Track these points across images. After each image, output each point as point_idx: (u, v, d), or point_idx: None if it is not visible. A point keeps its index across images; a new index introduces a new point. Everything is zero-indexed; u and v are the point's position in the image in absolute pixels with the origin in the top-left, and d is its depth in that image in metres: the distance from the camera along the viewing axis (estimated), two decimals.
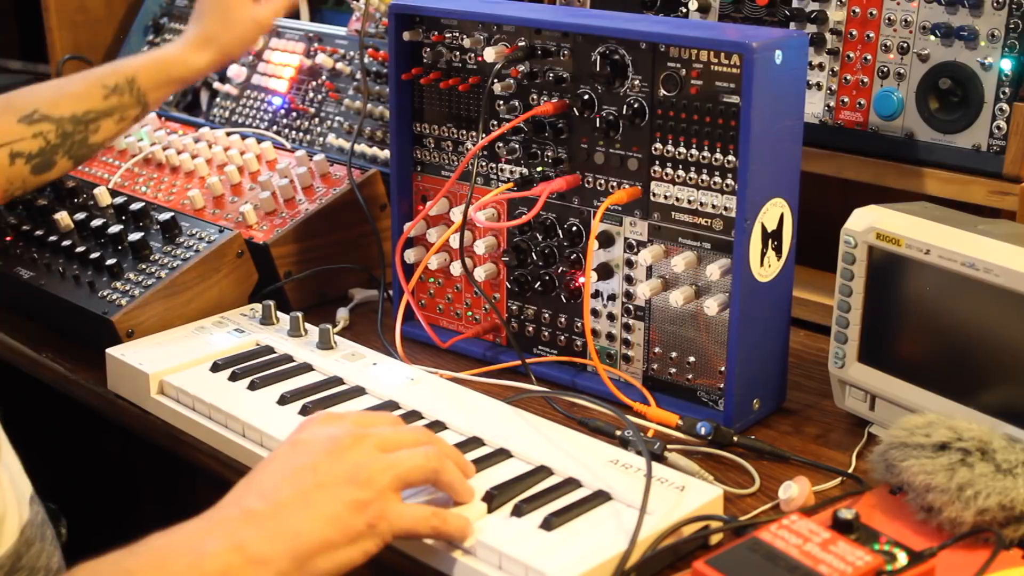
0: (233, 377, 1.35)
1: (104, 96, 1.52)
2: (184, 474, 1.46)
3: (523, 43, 1.38)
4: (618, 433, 1.25)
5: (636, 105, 1.31)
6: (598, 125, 1.35)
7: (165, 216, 1.60)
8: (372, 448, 1.00)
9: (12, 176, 1.46)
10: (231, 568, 0.90)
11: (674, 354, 1.35)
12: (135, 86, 1.53)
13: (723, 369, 1.30)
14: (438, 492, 1.08)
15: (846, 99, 1.48)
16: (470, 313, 1.52)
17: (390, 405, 1.28)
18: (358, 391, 1.32)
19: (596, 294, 1.40)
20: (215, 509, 0.96)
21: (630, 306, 1.38)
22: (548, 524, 1.06)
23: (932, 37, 1.40)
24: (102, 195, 1.71)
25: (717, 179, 1.27)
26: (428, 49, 1.47)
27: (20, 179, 1.47)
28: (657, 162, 1.31)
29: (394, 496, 0.99)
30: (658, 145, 1.31)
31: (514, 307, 1.48)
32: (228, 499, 0.97)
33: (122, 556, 0.92)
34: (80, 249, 1.59)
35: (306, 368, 1.37)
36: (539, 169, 1.40)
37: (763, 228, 1.26)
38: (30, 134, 1.46)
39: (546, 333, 1.46)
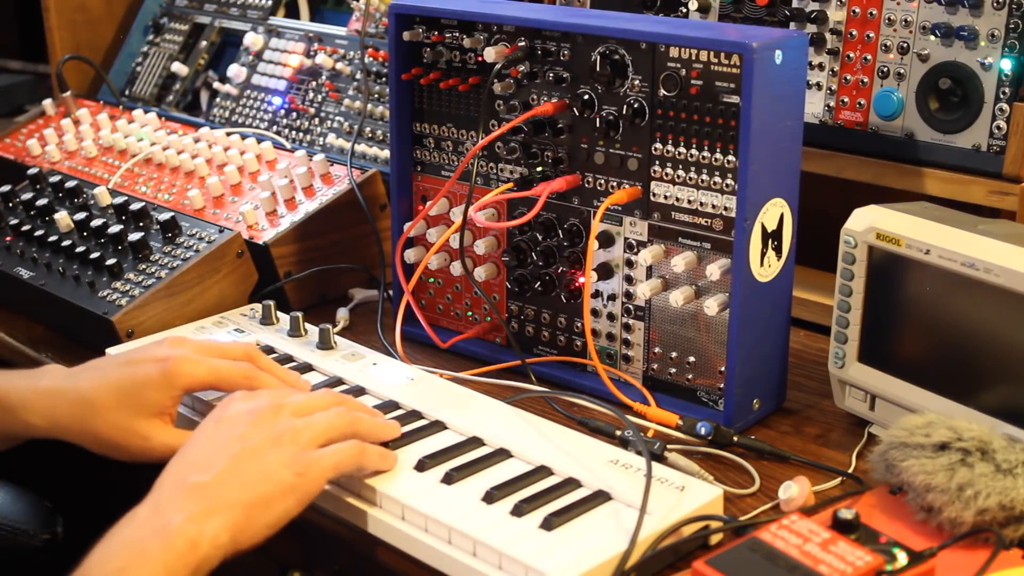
0: None
1: None
2: None
3: (523, 43, 1.38)
4: (618, 433, 1.25)
5: (636, 105, 1.31)
6: (598, 125, 1.35)
7: (165, 216, 1.60)
8: (289, 414, 1.12)
9: None
10: (196, 537, 1.00)
11: (674, 354, 1.35)
12: None
13: (723, 369, 1.30)
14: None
15: (846, 99, 1.48)
16: (470, 313, 1.52)
17: (390, 405, 1.28)
18: (358, 391, 1.32)
19: (596, 294, 1.40)
20: (158, 492, 1.05)
21: (630, 306, 1.38)
22: (548, 524, 1.06)
23: (932, 37, 1.40)
24: (102, 195, 1.71)
25: (717, 179, 1.27)
26: (428, 49, 1.47)
27: None
28: (657, 162, 1.31)
29: (316, 449, 1.10)
30: (658, 145, 1.31)
31: (514, 307, 1.48)
32: (168, 478, 1.06)
33: (100, 559, 1.00)
34: (80, 249, 1.59)
35: (306, 368, 1.37)
36: (539, 169, 1.40)
37: (763, 228, 1.26)
38: None
39: (546, 333, 1.46)
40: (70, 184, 1.75)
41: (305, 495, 1.08)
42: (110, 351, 1.42)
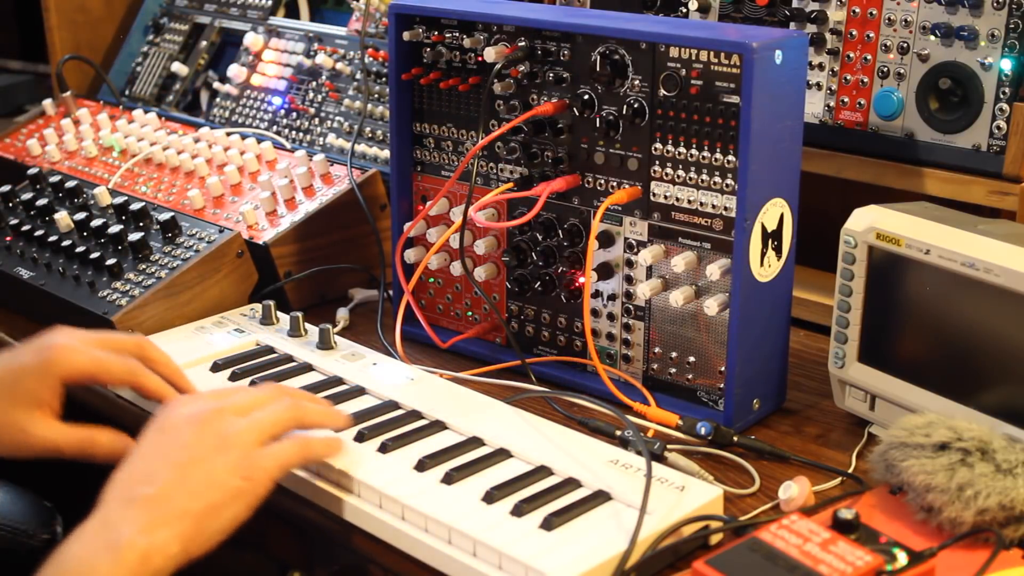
0: (233, 377, 1.35)
1: None
2: None
3: (523, 43, 1.38)
4: (618, 433, 1.25)
5: (636, 105, 1.31)
6: (598, 125, 1.35)
7: (165, 216, 1.60)
8: (231, 415, 1.10)
9: None
10: (146, 551, 0.98)
11: (674, 354, 1.35)
12: None
13: (723, 369, 1.30)
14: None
15: (846, 99, 1.48)
16: (470, 313, 1.52)
17: (390, 405, 1.28)
18: (358, 391, 1.32)
19: (596, 294, 1.40)
20: (105, 507, 1.03)
21: (630, 306, 1.38)
22: (548, 524, 1.06)
23: (932, 37, 1.40)
24: (102, 195, 1.71)
25: (717, 179, 1.27)
26: (428, 49, 1.47)
27: None
28: (657, 162, 1.31)
29: (261, 449, 1.09)
30: (658, 145, 1.31)
31: (514, 307, 1.48)
32: (113, 494, 1.04)
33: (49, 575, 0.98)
34: (80, 249, 1.59)
35: (306, 368, 1.37)
36: (539, 169, 1.40)
37: (763, 228, 1.26)
38: None
39: (546, 333, 1.46)
40: (70, 184, 1.75)
41: (254, 498, 1.07)
42: None
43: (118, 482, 1.05)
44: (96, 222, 1.63)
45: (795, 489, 1.13)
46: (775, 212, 1.27)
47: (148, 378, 1.21)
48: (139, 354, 1.22)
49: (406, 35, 1.47)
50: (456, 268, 1.46)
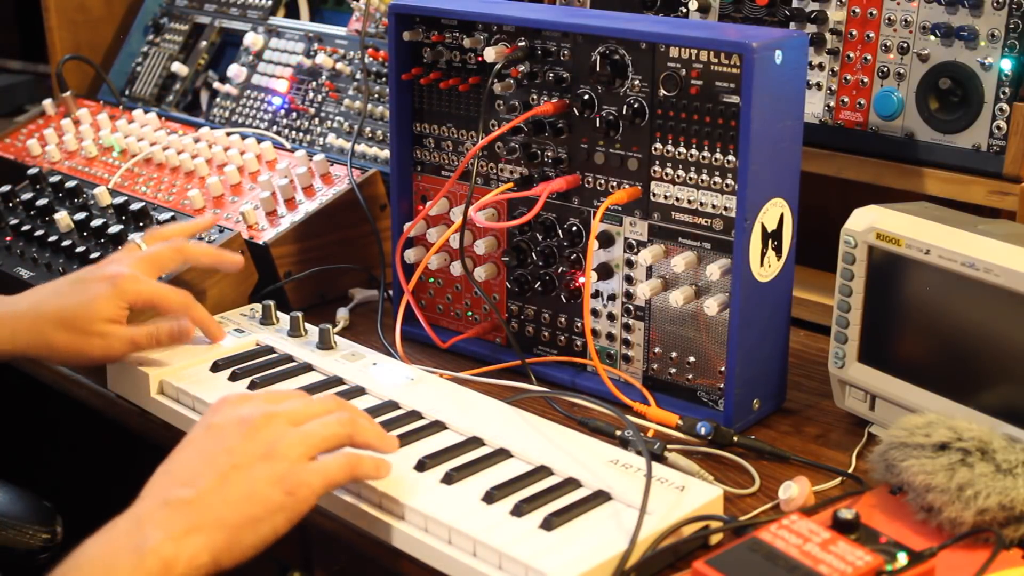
0: (233, 377, 1.35)
1: None
2: None
3: (523, 43, 1.38)
4: (618, 433, 1.25)
5: (636, 105, 1.31)
6: (598, 125, 1.35)
7: (165, 216, 1.60)
8: (283, 423, 1.06)
9: None
10: (171, 559, 0.96)
11: (674, 354, 1.35)
12: None
13: (723, 369, 1.30)
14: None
15: (846, 99, 1.48)
16: (470, 313, 1.52)
17: (390, 405, 1.28)
18: (358, 391, 1.32)
19: (596, 294, 1.40)
20: (140, 504, 1.01)
21: (630, 306, 1.38)
22: (548, 524, 1.06)
23: (932, 37, 1.40)
24: (102, 195, 1.71)
25: (717, 179, 1.27)
26: (428, 49, 1.47)
27: None
28: (657, 162, 1.31)
29: (308, 463, 1.05)
30: (658, 145, 1.31)
31: (514, 307, 1.48)
32: (150, 492, 1.02)
33: (72, 566, 0.96)
34: (80, 249, 1.59)
35: (306, 368, 1.37)
36: (539, 169, 1.40)
37: (763, 228, 1.26)
38: None
39: (546, 333, 1.46)
40: (70, 184, 1.75)
41: (295, 514, 1.03)
42: None
43: (158, 479, 1.03)
44: (96, 222, 1.63)
45: (795, 489, 1.13)
46: (775, 212, 1.27)
47: (198, 311, 1.38)
48: (183, 258, 1.42)
49: (406, 35, 1.47)
50: (456, 268, 1.46)
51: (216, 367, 1.37)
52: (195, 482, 1.01)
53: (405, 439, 1.21)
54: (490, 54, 1.38)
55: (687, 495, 1.11)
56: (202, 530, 0.98)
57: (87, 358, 1.35)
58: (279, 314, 1.50)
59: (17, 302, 1.37)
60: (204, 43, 2.22)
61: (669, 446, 1.23)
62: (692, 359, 1.34)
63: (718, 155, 1.27)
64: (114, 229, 1.61)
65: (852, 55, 1.47)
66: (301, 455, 1.04)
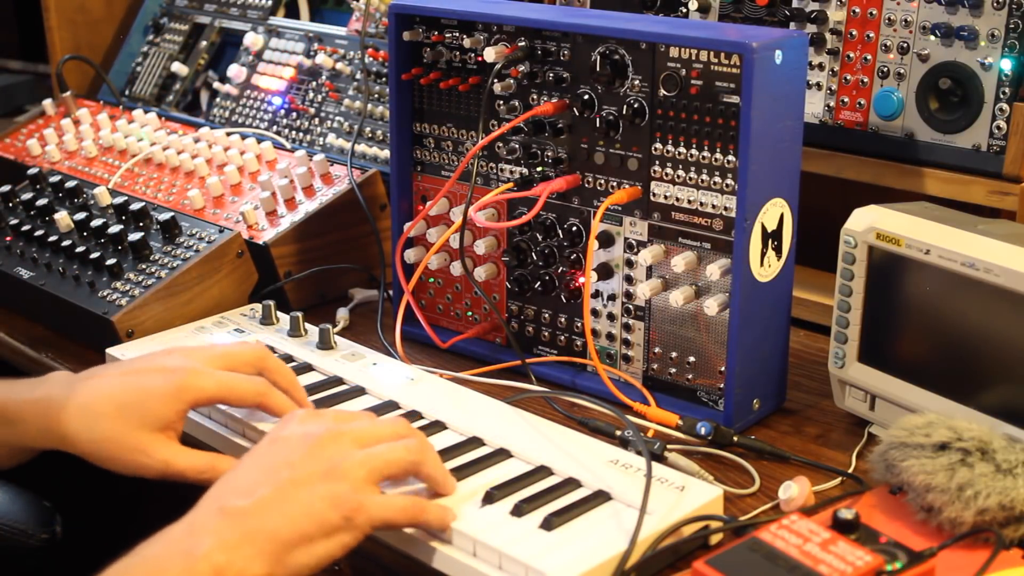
0: None
1: None
2: None
3: (523, 43, 1.38)
4: (618, 433, 1.25)
5: (636, 105, 1.31)
6: (598, 125, 1.35)
7: (165, 216, 1.60)
8: (349, 443, 1.03)
9: None
10: (222, 567, 0.93)
11: (674, 354, 1.35)
12: None
13: (723, 369, 1.30)
14: (420, 484, 1.10)
15: (846, 99, 1.48)
16: (470, 313, 1.52)
17: (390, 405, 1.28)
18: (358, 391, 1.32)
19: (596, 294, 1.40)
20: (197, 510, 0.98)
21: (630, 306, 1.38)
22: (548, 524, 1.06)
23: (932, 37, 1.40)
24: (102, 195, 1.71)
25: (717, 179, 1.27)
26: (428, 49, 1.47)
27: None
28: (657, 162, 1.31)
29: (372, 489, 1.01)
30: (658, 145, 1.31)
31: (514, 307, 1.48)
32: (208, 498, 0.99)
33: (121, 569, 0.94)
34: (80, 249, 1.59)
35: (306, 368, 1.37)
36: (539, 169, 1.40)
37: (763, 228, 1.26)
38: None
39: (546, 333, 1.46)
40: (70, 184, 1.75)
41: (350, 539, 0.99)
42: (110, 351, 1.42)
43: (218, 487, 1.01)
44: (96, 222, 1.63)
45: (795, 489, 1.13)
46: (775, 212, 1.27)
47: (275, 398, 1.17)
48: (260, 367, 1.19)
49: (406, 35, 1.47)
50: (456, 268, 1.46)
51: None
52: (252, 492, 0.98)
53: None
54: (490, 54, 1.38)
55: (687, 495, 1.11)
56: (255, 542, 0.95)
57: (123, 467, 1.14)
58: (279, 314, 1.50)
59: (68, 385, 1.17)
60: (204, 43, 2.22)
61: (669, 446, 1.23)
62: (692, 359, 1.34)
63: (718, 155, 1.27)
64: (114, 229, 1.60)
65: (852, 55, 1.47)
66: (363, 478, 1.01)
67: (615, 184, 1.35)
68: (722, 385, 1.31)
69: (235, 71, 2.09)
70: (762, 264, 1.27)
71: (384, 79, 1.87)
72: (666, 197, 1.32)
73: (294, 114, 1.98)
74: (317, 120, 1.95)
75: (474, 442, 1.21)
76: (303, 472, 0.99)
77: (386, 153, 1.81)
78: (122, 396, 1.13)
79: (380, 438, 1.05)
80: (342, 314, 1.59)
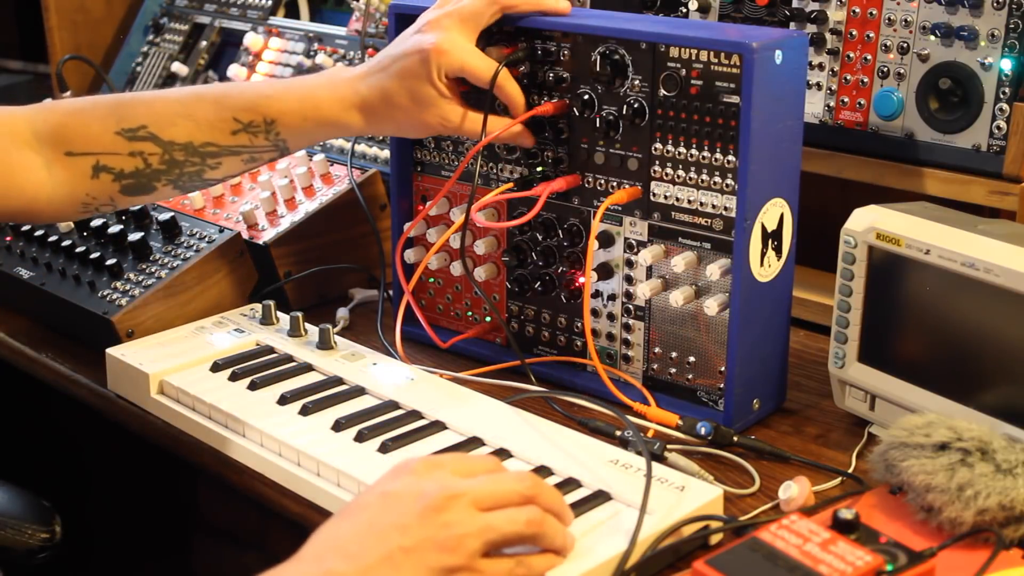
0: (233, 377, 1.35)
1: (233, 131, 1.32)
2: (184, 474, 1.46)
3: (523, 43, 1.38)
4: (618, 433, 1.25)
5: (636, 105, 1.31)
6: (598, 125, 1.35)
7: (165, 216, 1.60)
8: (467, 507, 0.95)
9: (95, 190, 1.30)
10: None
11: (674, 354, 1.35)
12: (274, 130, 1.34)
13: (723, 369, 1.30)
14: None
15: (846, 99, 1.48)
16: (470, 313, 1.52)
17: (390, 405, 1.28)
18: (358, 391, 1.32)
19: (596, 294, 1.40)
20: (295, 563, 0.93)
21: (630, 306, 1.38)
22: None
23: (932, 37, 1.40)
24: None
25: (717, 179, 1.27)
26: None
27: (107, 196, 1.31)
28: (657, 162, 1.31)
29: (482, 560, 0.95)
30: (658, 145, 1.31)
31: (514, 307, 1.48)
32: (309, 552, 0.94)
33: None
34: (80, 249, 1.59)
35: (306, 368, 1.37)
36: (539, 169, 1.40)
37: (763, 228, 1.26)
38: (127, 151, 1.29)
39: (546, 333, 1.46)
40: None
41: None
42: (109, 351, 1.42)
43: (324, 538, 0.95)
44: (96, 222, 1.63)
45: (795, 489, 1.13)
46: (775, 212, 1.27)
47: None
48: (499, 8, 1.34)
49: None
50: (456, 268, 1.46)
51: (216, 367, 1.37)
52: (358, 557, 0.91)
53: (405, 439, 1.21)
54: (490, 54, 1.38)
55: (687, 495, 1.11)
56: None
57: (425, 127, 1.36)
58: (279, 314, 1.50)
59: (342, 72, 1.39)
60: (204, 43, 2.22)
61: (669, 446, 1.23)
62: (692, 359, 1.34)
63: (718, 155, 1.27)
64: (114, 229, 1.60)
65: (852, 55, 1.47)
66: (478, 550, 0.94)
67: (615, 184, 1.35)
68: (722, 385, 1.31)
69: (235, 71, 2.09)
70: (762, 264, 1.27)
71: None
72: (666, 197, 1.32)
73: None
74: None
75: (474, 442, 1.21)
76: (415, 539, 0.92)
77: (386, 153, 1.81)
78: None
79: (500, 501, 0.97)
80: (342, 314, 1.59)
